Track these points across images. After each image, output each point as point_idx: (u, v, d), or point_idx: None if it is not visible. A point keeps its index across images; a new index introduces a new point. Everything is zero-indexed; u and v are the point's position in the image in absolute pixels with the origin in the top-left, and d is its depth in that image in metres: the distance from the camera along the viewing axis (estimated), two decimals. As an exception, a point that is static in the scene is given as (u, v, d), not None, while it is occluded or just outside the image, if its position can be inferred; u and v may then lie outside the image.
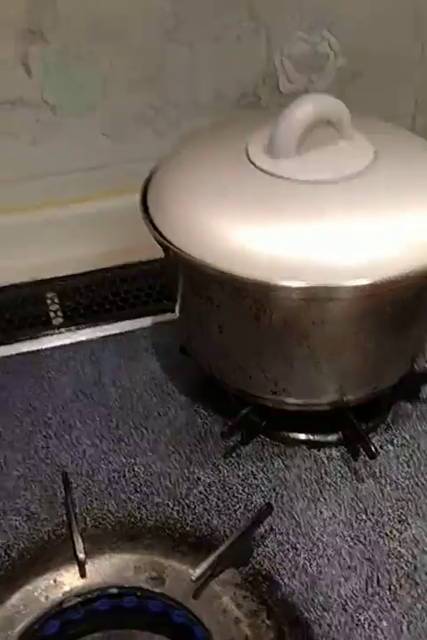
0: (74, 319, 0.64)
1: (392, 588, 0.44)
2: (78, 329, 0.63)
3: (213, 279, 0.45)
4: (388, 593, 0.44)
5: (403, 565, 0.45)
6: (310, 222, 0.43)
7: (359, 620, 0.42)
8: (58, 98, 0.65)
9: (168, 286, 0.58)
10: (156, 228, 0.47)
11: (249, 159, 0.46)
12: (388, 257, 0.43)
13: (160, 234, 0.47)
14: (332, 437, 0.53)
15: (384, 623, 0.42)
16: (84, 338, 0.62)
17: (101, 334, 0.62)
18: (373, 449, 0.49)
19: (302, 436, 0.53)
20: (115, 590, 0.44)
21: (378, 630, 0.42)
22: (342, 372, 0.48)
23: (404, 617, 0.42)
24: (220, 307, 0.46)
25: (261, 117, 0.51)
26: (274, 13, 0.66)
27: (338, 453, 0.52)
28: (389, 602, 0.43)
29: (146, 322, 0.64)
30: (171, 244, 0.46)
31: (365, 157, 0.46)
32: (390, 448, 0.52)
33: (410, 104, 0.76)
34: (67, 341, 0.62)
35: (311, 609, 0.43)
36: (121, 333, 0.63)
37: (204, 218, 0.45)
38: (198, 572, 0.42)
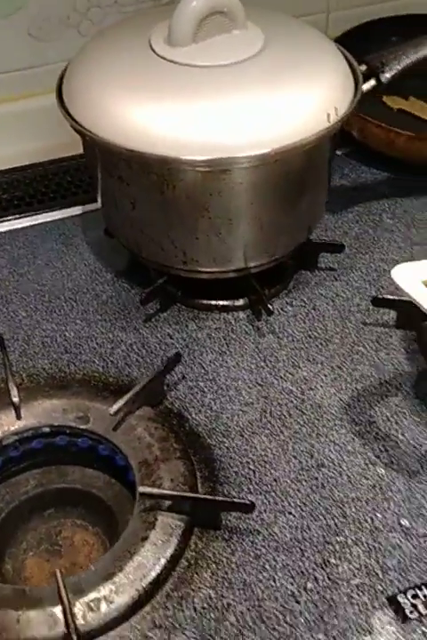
0: (9, 210, 0.70)
1: (282, 417, 0.52)
2: (14, 218, 0.69)
3: (122, 158, 0.51)
4: (278, 421, 0.52)
5: (293, 400, 0.53)
6: (205, 102, 0.49)
7: (253, 442, 0.51)
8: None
9: (90, 175, 0.63)
10: (70, 116, 0.53)
11: (152, 49, 0.52)
12: (276, 130, 0.49)
13: (75, 120, 0.52)
14: (239, 302, 0.60)
15: (274, 444, 0.50)
16: (19, 226, 0.68)
17: (35, 223, 0.68)
18: (269, 307, 0.57)
19: (213, 302, 0.60)
20: (47, 429, 0.51)
21: (268, 449, 0.50)
22: (243, 241, 0.55)
23: (290, 439, 0.51)
24: (130, 184, 0.53)
25: (168, 12, 0.56)
26: None
27: (244, 316, 0.60)
28: (279, 428, 0.51)
29: (76, 211, 0.69)
30: (84, 128, 0.51)
31: (256, 44, 0.52)
32: (289, 309, 0.60)
33: (323, 1, 0.81)
34: (2, 229, 0.68)
35: (213, 436, 0.51)
36: (53, 221, 0.68)
37: (112, 103, 0.51)
38: (115, 407, 0.50)
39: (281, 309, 0.60)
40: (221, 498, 0.46)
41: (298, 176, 0.52)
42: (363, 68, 0.56)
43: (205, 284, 0.60)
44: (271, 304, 0.58)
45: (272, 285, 0.61)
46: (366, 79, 0.55)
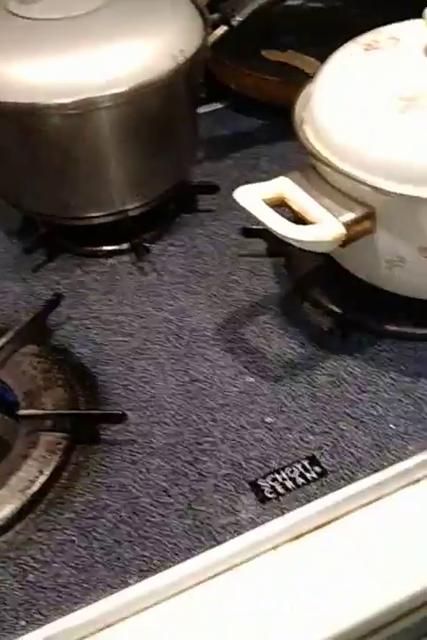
0: None
1: (161, 343, 0.56)
2: None
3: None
4: (157, 347, 0.55)
5: (171, 327, 0.57)
6: (61, 50, 0.53)
7: (133, 367, 0.54)
8: None
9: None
10: None
11: (5, 8, 0.55)
12: (128, 71, 0.53)
13: None
14: (123, 246, 0.63)
15: (152, 366, 0.54)
16: None
17: None
18: (146, 246, 0.61)
19: (97, 249, 0.63)
20: None
21: (147, 371, 0.54)
22: (113, 183, 0.58)
23: (168, 360, 0.54)
24: (0, 139, 0.55)
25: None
26: None
27: (128, 258, 0.63)
28: (158, 352, 0.55)
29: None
30: None
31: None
32: (171, 248, 0.64)
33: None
34: None
35: (97, 365, 0.54)
36: None
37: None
38: (-1, 344, 0.53)
39: (163, 250, 0.63)
40: (94, 411, 0.50)
41: (157, 117, 0.56)
42: (216, 15, 0.60)
43: (90, 231, 0.63)
44: (154, 245, 0.62)
45: (155, 228, 0.64)
46: (218, 25, 0.60)
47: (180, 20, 0.56)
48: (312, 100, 0.52)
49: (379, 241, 0.49)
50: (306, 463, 0.47)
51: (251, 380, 0.52)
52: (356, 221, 0.48)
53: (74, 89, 0.51)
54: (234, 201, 0.67)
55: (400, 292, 0.52)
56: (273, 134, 0.73)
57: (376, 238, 0.49)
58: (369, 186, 0.46)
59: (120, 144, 0.56)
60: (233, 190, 0.68)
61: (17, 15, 0.55)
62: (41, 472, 0.47)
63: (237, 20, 0.59)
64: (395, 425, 0.49)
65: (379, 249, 0.49)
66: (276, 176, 0.69)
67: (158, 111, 0.56)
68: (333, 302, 0.56)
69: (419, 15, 0.53)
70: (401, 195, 0.46)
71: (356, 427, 0.49)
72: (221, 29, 0.59)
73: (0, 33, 0.55)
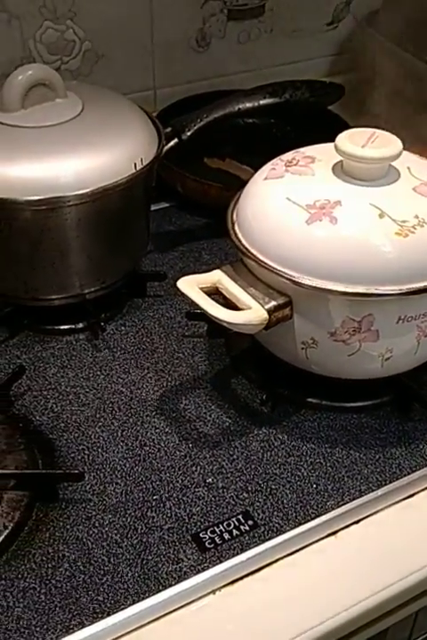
0: None
1: (114, 412, 0.62)
2: None
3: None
4: (110, 416, 0.62)
5: (123, 398, 0.63)
6: (33, 154, 0.61)
7: (88, 434, 0.60)
8: None
9: None
10: None
11: (-12, 114, 0.63)
12: (93, 175, 0.61)
13: None
14: (79, 325, 0.70)
15: (106, 433, 0.60)
16: None
17: None
18: (102, 325, 0.68)
19: (56, 327, 0.70)
20: None
21: (101, 438, 0.60)
22: (75, 270, 0.66)
23: (119, 428, 0.61)
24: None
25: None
26: (23, 6, 0.82)
27: (84, 337, 0.70)
28: (110, 421, 0.61)
29: None
30: None
31: (75, 109, 0.65)
32: (123, 328, 0.71)
33: (149, 79, 0.95)
34: None
35: (54, 431, 0.60)
36: None
37: None
38: (-36, 415, 0.58)
39: (116, 330, 0.71)
40: (55, 471, 0.56)
41: (117, 214, 0.64)
42: (169, 129, 0.69)
43: (49, 311, 0.70)
44: (107, 325, 0.69)
45: (109, 310, 0.72)
46: (171, 138, 0.69)
47: (140, 134, 0.65)
48: (242, 206, 0.61)
49: (295, 325, 0.57)
50: (241, 517, 0.54)
51: (192, 445, 0.59)
52: (277, 308, 0.56)
53: (44, 188, 0.59)
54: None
55: (314, 371, 0.60)
56: (213, 231, 0.82)
57: (293, 323, 0.57)
58: (286, 278, 0.55)
59: (83, 236, 0.63)
60: (179, 278, 0.77)
61: (-2, 121, 0.63)
62: (5, 527, 0.52)
63: (187, 134, 0.68)
64: (316, 484, 0.57)
65: (295, 332, 0.58)
66: (216, 267, 0.79)
67: (118, 209, 0.64)
68: (263, 378, 0.64)
69: (337, 134, 0.64)
70: (311, 286, 0.54)
71: (283, 486, 0.56)
72: (173, 141, 0.69)
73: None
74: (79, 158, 0.61)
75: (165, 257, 0.80)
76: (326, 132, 0.90)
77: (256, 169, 0.89)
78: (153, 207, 0.79)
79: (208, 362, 0.67)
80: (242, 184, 0.64)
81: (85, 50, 0.88)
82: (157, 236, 0.82)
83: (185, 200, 0.86)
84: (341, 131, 0.91)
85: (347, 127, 0.93)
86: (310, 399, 0.63)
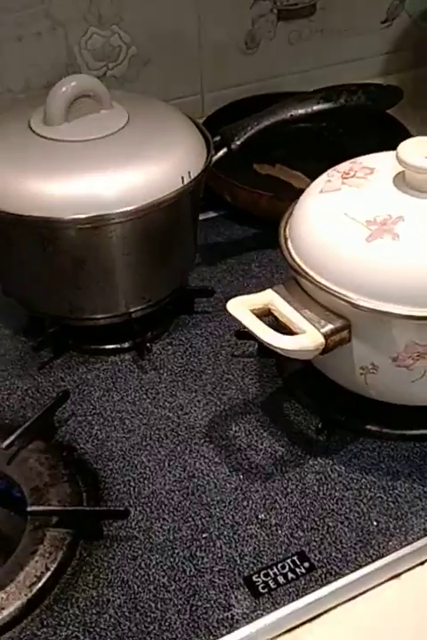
0: None
1: (160, 439, 0.59)
2: None
3: (9, 222, 0.58)
4: (157, 443, 0.59)
5: (170, 424, 0.60)
6: (77, 170, 0.58)
7: (134, 463, 0.57)
8: None
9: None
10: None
11: (30, 128, 0.61)
12: (139, 191, 0.58)
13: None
14: (125, 345, 0.67)
15: (152, 462, 0.57)
16: None
17: None
18: (148, 346, 0.65)
19: (101, 347, 0.67)
20: None
21: (147, 468, 0.57)
22: (121, 289, 0.63)
23: (167, 457, 0.58)
24: (17, 245, 0.60)
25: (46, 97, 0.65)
26: (68, 13, 0.79)
27: (129, 357, 0.67)
28: (157, 449, 0.58)
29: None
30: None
31: (121, 121, 0.62)
32: (170, 348, 0.68)
33: (197, 84, 0.92)
34: None
35: (99, 461, 0.58)
36: None
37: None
38: (7, 442, 0.56)
39: (162, 349, 0.68)
40: (99, 508, 0.53)
41: (163, 230, 0.61)
42: (217, 138, 0.66)
43: (94, 330, 0.67)
44: (153, 344, 0.67)
45: (155, 328, 0.69)
46: (219, 148, 0.66)
47: (187, 145, 0.62)
48: (295, 221, 0.57)
49: (354, 350, 0.53)
50: (296, 559, 0.50)
51: (243, 476, 0.56)
52: (334, 332, 0.52)
53: (88, 206, 0.56)
54: (228, 304, 0.73)
55: (374, 397, 0.56)
56: (264, 242, 0.78)
57: (352, 347, 0.53)
58: (344, 300, 0.51)
59: (128, 254, 0.60)
60: (227, 294, 0.74)
61: (39, 135, 0.60)
62: (47, 568, 0.49)
63: (237, 143, 0.65)
64: (377, 521, 0.52)
65: (354, 357, 0.54)
66: (266, 280, 0.76)
67: (164, 225, 0.61)
68: (318, 402, 0.60)
69: (394, 140, 0.59)
70: (372, 309, 0.50)
71: (341, 523, 0.52)
72: (222, 151, 0.65)
73: (23, 151, 0.60)
74: (124, 173, 0.58)
75: (214, 270, 0.76)
76: (382, 134, 0.86)
77: (308, 175, 0.85)
78: (201, 217, 0.76)
79: (259, 384, 0.63)
80: (294, 194, 0.61)
81: (131, 55, 0.85)
82: (205, 248, 0.79)
83: (234, 209, 0.82)
84: (397, 133, 0.86)
85: (403, 129, 0.90)
86: (369, 426, 0.58)
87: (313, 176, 0.60)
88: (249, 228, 0.81)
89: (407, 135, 0.86)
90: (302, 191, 0.59)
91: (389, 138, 0.87)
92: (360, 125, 0.85)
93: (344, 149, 0.88)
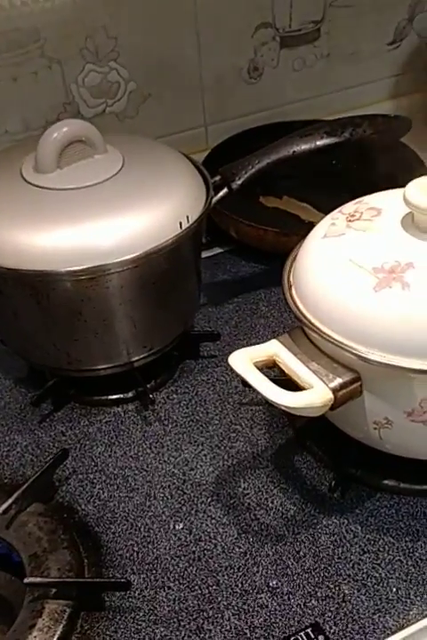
0: None
1: (165, 499, 0.56)
2: None
3: (0, 276, 0.56)
4: (161, 503, 0.56)
5: (175, 481, 0.57)
6: (70, 221, 0.55)
7: (137, 525, 0.55)
8: None
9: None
10: None
11: (22, 176, 0.58)
12: (134, 240, 0.55)
13: None
14: (128, 395, 0.65)
15: (156, 525, 0.54)
16: None
17: None
18: (151, 397, 0.62)
19: (103, 397, 0.65)
20: None
21: (151, 530, 0.54)
22: (120, 338, 0.60)
23: (171, 518, 0.55)
24: (10, 297, 0.58)
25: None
26: (63, 50, 0.78)
27: (133, 407, 0.64)
28: (161, 509, 0.56)
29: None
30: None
31: (115, 165, 0.59)
32: (175, 396, 0.65)
33: (200, 116, 0.90)
34: None
35: (101, 524, 0.55)
36: None
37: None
38: (4, 506, 0.53)
39: (167, 398, 0.65)
40: (99, 579, 0.50)
41: (163, 276, 0.59)
42: (217, 178, 0.63)
43: (96, 381, 0.65)
44: (158, 393, 0.64)
45: (159, 376, 0.66)
46: (220, 188, 0.63)
47: (185, 188, 0.59)
48: (299, 268, 0.54)
49: (366, 404, 0.50)
50: (310, 631, 0.47)
51: (252, 539, 0.52)
52: (343, 386, 0.49)
53: (82, 257, 0.54)
54: (236, 347, 0.69)
55: (389, 451, 0.53)
56: (271, 279, 0.75)
57: (363, 401, 0.50)
58: (353, 353, 0.48)
59: (127, 303, 0.58)
60: (234, 337, 0.71)
61: (31, 184, 0.57)
62: (46, 644, 0.47)
63: (238, 183, 0.62)
64: (396, 588, 0.49)
65: (366, 411, 0.51)
66: (274, 320, 0.73)
67: (164, 272, 0.58)
68: (331, 455, 0.57)
69: (405, 167, 0.56)
70: (382, 363, 0.47)
71: (358, 590, 0.49)
72: (223, 191, 0.63)
73: (15, 201, 0.57)
74: (119, 222, 0.55)
75: (220, 310, 0.74)
76: (393, 163, 0.83)
77: (317, 205, 0.82)
78: (205, 254, 0.74)
79: (269, 435, 0.60)
80: (302, 227, 0.58)
81: (131, 90, 0.83)
82: (211, 287, 0.76)
83: (240, 245, 0.80)
84: (408, 159, 0.83)
85: (414, 155, 0.86)
86: (386, 481, 0.55)
87: (321, 207, 0.57)
88: (256, 265, 0.79)
89: (419, 161, 0.84)
90: (309, 224, 0.56)
91: (400, 165, 0.84)
92: (370, 152, 0.82)
93: (353, 177, 0.86)
